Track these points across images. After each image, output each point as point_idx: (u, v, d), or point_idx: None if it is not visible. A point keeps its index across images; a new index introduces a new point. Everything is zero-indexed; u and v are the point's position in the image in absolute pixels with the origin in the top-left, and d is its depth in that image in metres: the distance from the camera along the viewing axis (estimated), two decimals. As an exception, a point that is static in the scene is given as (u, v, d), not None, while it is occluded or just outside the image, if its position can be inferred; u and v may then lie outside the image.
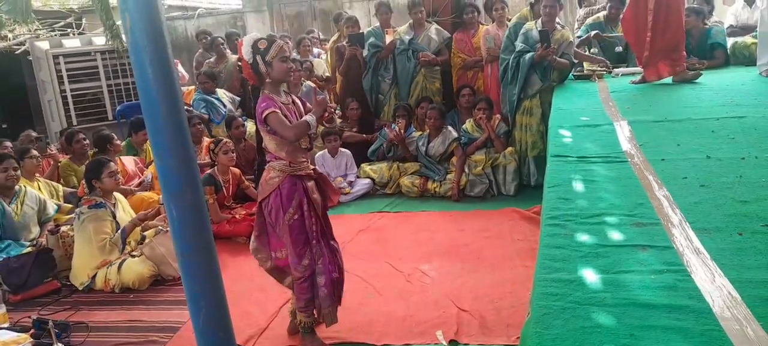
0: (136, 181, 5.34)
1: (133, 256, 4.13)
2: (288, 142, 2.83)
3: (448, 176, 5.48)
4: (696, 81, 4.66)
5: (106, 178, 4.16)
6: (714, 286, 1.65)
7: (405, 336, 3.08)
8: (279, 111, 2.77)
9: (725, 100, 3.92)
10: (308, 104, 3.09)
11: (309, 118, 2.84)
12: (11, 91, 10.03)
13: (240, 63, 2.87)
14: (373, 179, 5.76)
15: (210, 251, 1.15)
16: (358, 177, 5.81)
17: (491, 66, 5.88)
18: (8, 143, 5.61)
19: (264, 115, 2.76)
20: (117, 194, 4.39)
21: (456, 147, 5.47)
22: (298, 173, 2.89)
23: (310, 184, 2.95)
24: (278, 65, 2.80)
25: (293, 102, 2.98)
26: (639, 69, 5.52)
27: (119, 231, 4.10)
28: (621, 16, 5.31)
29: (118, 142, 5.60)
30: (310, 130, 2.86)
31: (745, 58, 5.46)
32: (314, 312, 3.02)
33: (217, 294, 1.17)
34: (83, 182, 4.45)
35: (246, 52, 2.80)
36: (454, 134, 5.51)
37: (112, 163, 4.33)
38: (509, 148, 5.39)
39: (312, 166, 3.02)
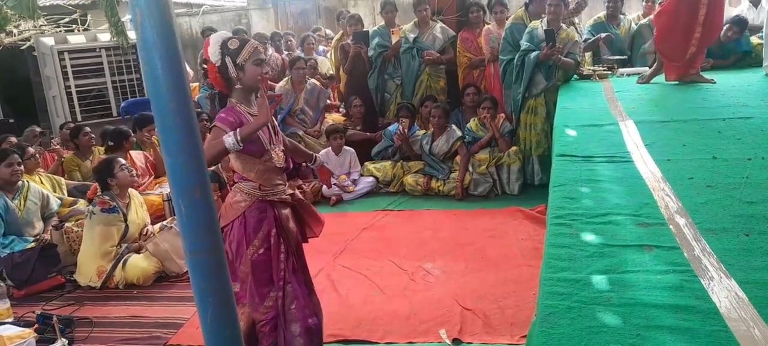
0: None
1: (138, 252, 4.15)
2: (259, 160, 2.43)
3: (452, 175, 5.47)
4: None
5: (119, 172, 4.17)
6: (721, 287, 1.64)
7: (408, 335, 3.08)
8: (229, 128, 2.31)
9: (731, 100, 3.91)
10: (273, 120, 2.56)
11: (227, 139, 2.28)
12: (16, 87, 10.06)
13: (204, 66, 2.42)
14: (376, 177, 5.76)
15: (218, 248, 1.15)
16: (361, 175, 5.81)
17: (494, 65, 5.87)
18: (13, 139, 5.62)
19: (210, 126, 2.31)
20: (132, 192, 4.38)
21: (460, 146, 5.46)
22: (270, 198, 2.46)
23: (286, 212, 2.52)
24: (251, 69, 2.37)
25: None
26: (645, 69, 5.52)
27: (124, 247, 4.10)
28: (653, 13, 5.14)
29: (133, 138, 5.58)
30: (229, 153, 2.35)
31: (752, 59, 5.44)
32: None
33: (225, 291, 1.16)
34: (96, 184, 4.46)
35: (213, 52, 2.36)
36: (458, 133, 5.50)
37: (120, 158, 4.33)
38: (513, 148, 5.38)
39: (290, 192, 2.58)
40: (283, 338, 2.48)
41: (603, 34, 5.66)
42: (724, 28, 5.19)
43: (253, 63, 2.38)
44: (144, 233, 4.31)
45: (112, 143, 5.42)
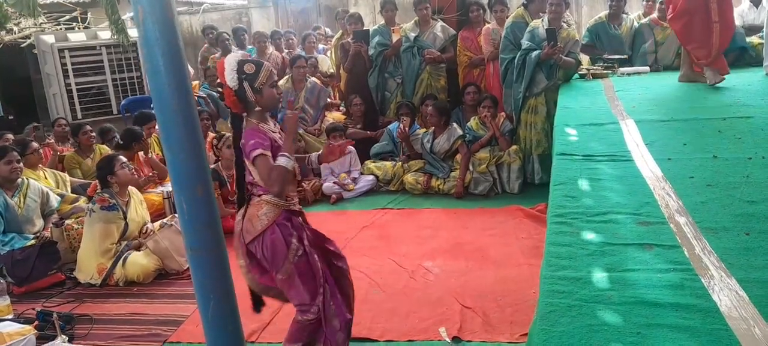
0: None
1: (138, 250, 4.15)
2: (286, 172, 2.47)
3: (452, 174, 5.48)
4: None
5: (119, 170, 4.17)
6: (721, 285, 1.65)
7: (408, 333, 3.08)
8: (270, 154, 2.42)
9: (732, 100, 3.91)
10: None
11: (283, 162, 2.41)
12: (17, 85, 10.06)
13: (220, 89, 2.47)
14: (376, 176, 5.77)
15: (219, 245, 1.15)
16: (361, 174, 5.82)
17: (493, 64, 5.87)
18: (10, 136, 5.62)
19: (253, 156, 2.40)
20: (132, 190, 4.38)
21: (461, 145, 5.47)
22: (292, 207, 2.55)
23: (300, 219, 2.61)
24: (269, 92, 2.46)
25: (281, 130, 2.62)
26: (645, 69, 5.52)
27: (124, 245, 4.10)
28: (667, 14, 5.08)
29: (143, 138, 5.53)
30: (290, 170, 2.46)
31: (752, 58, 5.44)
32: None
33: (226, 288, 1.17)
34: (95, 181, 4.46)
35: (230, 77, 2.43)
36: (459, 132, 5.50)
37: (121, 156, 4.33)
38: (514, 146, 5.38)
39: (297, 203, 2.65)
40: (324, 334, 2.55)
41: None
42: None
43: (270, 86, 2.46)
44: (144, 230, 4.32)
45: (122, 143, 5.39)
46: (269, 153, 2.42)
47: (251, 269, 2.57)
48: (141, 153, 5.48)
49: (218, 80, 2.53)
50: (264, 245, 2.46)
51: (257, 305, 2.68)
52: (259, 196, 2.49)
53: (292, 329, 2.61)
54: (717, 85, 4.42)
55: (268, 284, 2.59)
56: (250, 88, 2.43)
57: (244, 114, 2.53)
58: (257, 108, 2.48)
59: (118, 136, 5.81)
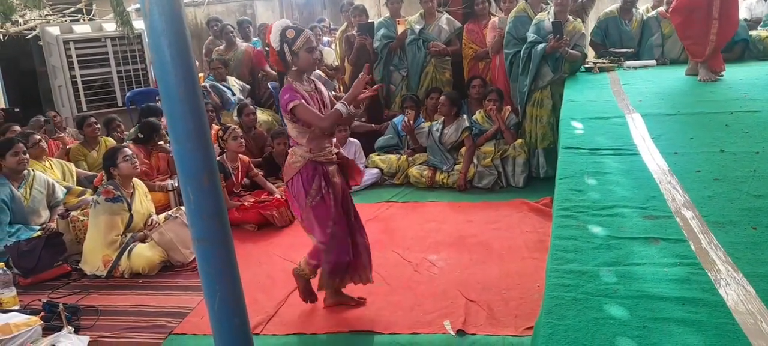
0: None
1: (143, 242, 4.16)
2: (309, 129, 2.91)
3: (456, 167, 5.47)
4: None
5: (121, 163, 4.17)
6: (728, 280, 1.64)
7: (412, 326, 3.09)
8: (303, 101, 2.85)
9: (739, 94, 3.88)
10: (325, 93, 3.12)
11: (340, 106, 2.88)
12: (22, 76, 10.09)
13: (267, 48, 2.96)
14: (381, 169, 5.76)
15: (226, 236, 1.15)
16: (366, 167, 5.81)
17: (499, 57, 5.85)
18: (17, 127, 5.64)
19: (290, 107, 2.83)
20: (136, 182, 4.38)
21: (466, 136, 5.45)
22: (319, 159, 2.98)
23: (332, 168, 3.04)
24: (304, 55, 2.87)
25: (316, 89, 3.03)
26: (651, 62, 5.49)
27: (129, 236, 4.11)
28: (659, 6, 5.08)
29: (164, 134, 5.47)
30: (343, 118, 2.92)
31: (759, 52, 5.41)
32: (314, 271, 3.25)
33: (232, 279, 1.17)
34: (102, 172, 4.46)
35: (274, 39, 2.88)
36: (467, 123, 5.49)
37: (126, 149, 4.33)
38: (519, 140, 5.37)
39: (336, 151, 3.10)
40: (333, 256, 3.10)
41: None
42: None
43: (306, 50, 2.88)
44: (149, 223, 4.32)
45: (142, 136, 5.36)
46: (303, 101, 2.85)
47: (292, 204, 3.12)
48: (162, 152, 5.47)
49: (265, 45, 2.97)
50: (292, 186, 3.02)
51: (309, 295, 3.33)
52: (292, 146, 3.03)
53: (313, 249, 3.17)
54: (715, 80, 4.40)
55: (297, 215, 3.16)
56: (288, 51, 2.86)
57: (285, 73, 2.97)
58: (294, 68, 2.91)
59: (122, 126, 5.81)
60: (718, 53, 4.49)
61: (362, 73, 2.99)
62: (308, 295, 3.33)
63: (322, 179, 3.00)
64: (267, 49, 2.97)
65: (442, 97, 5.53)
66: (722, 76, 4.51)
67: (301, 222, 3.23)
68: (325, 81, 6.42)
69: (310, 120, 2.86)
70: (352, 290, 3.37)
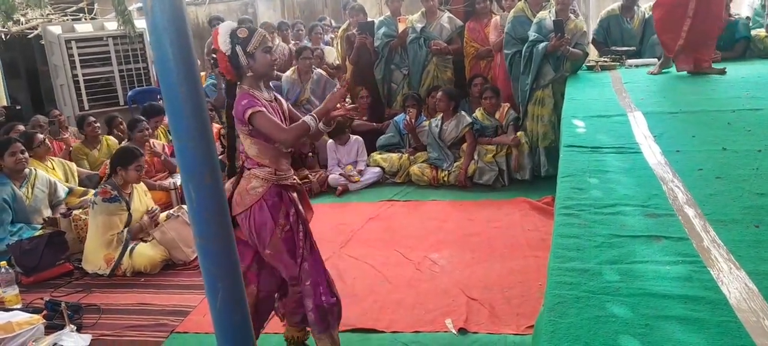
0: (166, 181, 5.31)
1: (145, 241, 4.16)
2: (273, 146, 2.50)
3: (456, 164, 5.47)
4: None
5: (133, 170, 4.16)
6: (730, 277, 1.63)
7: (414, 324, 3.09)
8: (265, 110, 2.43)
9: (741, 92, 3.88)
10: (285, 104, 2.70)
11: (309, 119, 2.49)
12: (24, 76, 10.09)
13: (214, 55, 2.50)
14: (383, 168, 5.77)
15: (228, 234, 1.15)
16: (367, 165, 5.81)
17: (501, 55, 5.84)
18: (21, 127, 5.65)
19: (247, 116, 2.39)
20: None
21: (468, 133, 5.45)
22: (283, 182, 2.56)
23: (294, 195, 2.63)
24: (261, 57, 2.45)
25: (276, 99, 2.61)
26: (653, 60, 5.48)
27: (126, 231, 4.10)
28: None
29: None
30: (310, 133, 2.51)
31: (761, 50, 5.40)
32: (303, 330, 2.83)
33: (234, 277, 1.17)
34: (107, 163, 4.46)
35: (223, 42, 2.42)
36: (469, 119, 5.49)
37: (143, 159, 4.32)
38: (520, 133, 5.37)
39: (294, 177, 2.68)
40: (288, 307, 2.70)
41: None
42: None
43: (263, 50, 2.45)
44: (151, 213, 4.28)
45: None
46: (263, 109, 2.42)
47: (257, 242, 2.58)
48: (155, 141, 5.48)
49: (212, 47, 2.56)
50: (252, 218, 2.51)
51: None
52: (249, 169, 2.53)
53: (289, 302, 2.75)
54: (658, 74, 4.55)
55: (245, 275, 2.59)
56: (242, 53, 2.43)
57: (238, 82, 2.51)
58: (250, 74, 2.47)
59: (124, 124, 5.82)
60: (694, 50, 4.53)
61: (337, 87, 2.67)
62: None
63: (290, 205, 2.57)
64: (214, 56, 2.50)
65: (440, 93, 5.54)
66: (715, 69, 4.53)
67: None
68: (326, 80, 6.42)
69: (270, 131, 2.41)
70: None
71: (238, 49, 2.42)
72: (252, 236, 2.55)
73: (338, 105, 2.60)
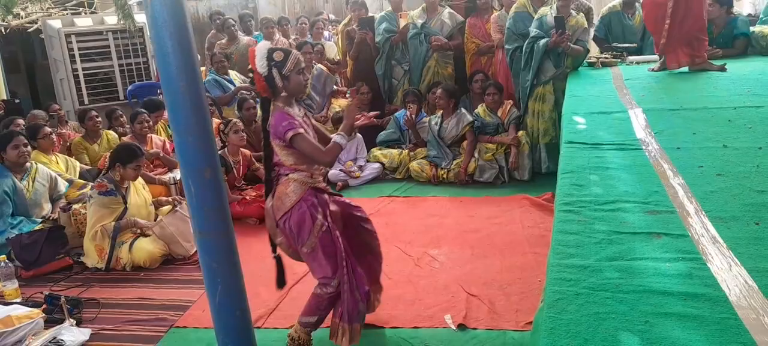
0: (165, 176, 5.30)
1: (145, 235, 4.16)
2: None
3: (456, 161, 5.46)
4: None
5: (131, 169, 4.15)
6: (730, 275, 1.63)
7: (413, 320, 3.09)
8: (303, 132, 2.61)
9: (742, 89, 3.87)
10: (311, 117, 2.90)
11: (338, 139, 2.67)
12: (25, 69, 10.08)
13: (251, 74, 2.67)
14: (383, 164, 5.76)
15: (228, 229, 1.15)
16: (367, 161, 5.81)
17: (502, 51, 5.83)
18: (20, 121, 5.64)
19: (288, 137, 2.57)
20: None
21: (469, 131, 5.45)
22: (319, 185, 2.75)
23: (326, 196, 2.80)
24: (295, 78, 2.63)
25: (306, 113, 2.82)
26: (654, 57, 5.46)
27: (113, 224, 4.06)
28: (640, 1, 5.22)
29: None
30: (342, 150, 2.71)
31: (763, 48, 5.37)
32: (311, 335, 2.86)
33: (234, 271, 1.17)
34: (107, 156, 4.44)
35: (260, 64, 2.60)
36: (469, 118, 5.48)
37: (143, 160, 4.32)
38: (521, 132, 5.36)
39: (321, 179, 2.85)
40: (346, 303, 2.72)
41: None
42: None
43: (297, 73, 2.64)
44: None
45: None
46: (303, 131, 2.61)
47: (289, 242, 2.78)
48: (154, 136, 5.47)
49: (249, 66, 2.68)
50: (291, 220, 2.67)
51: (281, 280, 2.92)
52: (286, 175, 2.70)
53: (310, 302, 2.80)
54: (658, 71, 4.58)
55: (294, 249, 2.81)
56: (278, 75, 2.60)
57: (272, 99, 2.68)
58: (284, 93, 2.64)
59: (124, 118, 5.82)
60: (679, 47, 4.57)
61: (350, 99, 2.82)
62: None
63: (327, 206, 2.74)
64: (251, 75, 2.70)
65: (439, 90, 5.53)
66: (715, 65, 4.56)
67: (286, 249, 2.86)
68: (327, 75, 6.42)
69: (311, 153, 2.61)
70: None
71: (275, 71, 2.59)
72: (292, 236, 2.70)
73: (357, 116, 2.82)
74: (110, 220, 4.06)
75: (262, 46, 2.64)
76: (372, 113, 3.05)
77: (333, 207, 2.80)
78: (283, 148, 2.66)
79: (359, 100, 6.21)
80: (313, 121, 2.89)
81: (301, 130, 2.61)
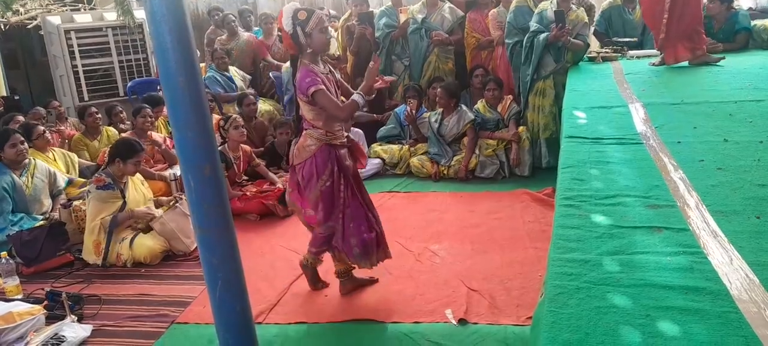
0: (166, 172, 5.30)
1: (144, 231, 4.16)
2: (325, 111, 2.93)
3: (456, 158, 5.45)
4: (716, 64, 4.58)
5: (131, 165, 4.15)
6: (731, 268, 1.63)
7: (414, 315, 3.09)
8: (325, 87, 2.86)
9: (743, 83, 3.86)
10: (337, 75, 3.16)
11: (357, 97, 2.94)
12: (25, 66, 10.06)
13: (280, 33, 2.89)
14: (383, 159, 5.76)
15: (228, 224, 1.14)
16: (368, 157, 5.80)
17: (502, 47, 5.82)
18: (20, 117, 5.63)
19: (311, 92, 2.84)
20: None
21: (470, 128, 5.44)
22: (333, 142, 3.03)
23: (343, 152, 3.10)
24: (318, 36, 2.87)
25: (330, 71, 3.06)
26: (655, 52, 5.46)
27: (110, 217, 4.06)
28: None
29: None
30: (359, 109, 3.01)
31: (764, 41, 5.37)
32: (322, 257, 3.33)
33: (234, 267, 1.17)
34: (106, 151, 4.44)
35: (286, 23, 2.87)
36: (471, 116, 5.47)
37: (143, 154, 4.32)
38: (521, 128, 5.36)
39: (346, 135, 3.15)
40: (341, 247, 3.18)
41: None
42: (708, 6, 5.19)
43: (319, 31, 2.88)
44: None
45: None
46: (324, 87, 2.86)
47: (297, 200, 3.18)
48: (154, 134, 5.47)
49: (278, 29, 2.93)
50: (304, 170, 3.04)
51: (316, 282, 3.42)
52: (306, 130, 3.02)
53: (313, 236, 3.26)
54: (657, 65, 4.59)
55: (297, 203, 3.21)
56: (302, 33, 2.86)
57: (299, 57, 2.96)
58: (309, 50, 2.90)
59: (124, 114, 5.81)
60: (678, 42, 4.57)
61: (371, 62, 3.01)
62: (316, 282, 3.41)
63: (335, 163, 3.04)
64: (279, 33, 2.97)
65: (440, 89, 5.52)
66: (713, 56, 4.56)
67: (301, 213, 3.26)
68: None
69: (329, 108, 2.89)
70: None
71: (299, 29, 2.85)
72: (302, 182, 3.08)
73: (377, 77, 3.03)
74: (108, 214, 4.05)
75: (289, 7, 2.90)
76: (388, 78, 3.37)
77: (348, 162, 3.11)
78: (305, 103, 2.93)
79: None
80: (339, 77, 3.15)
81: (322, 87, 2.85)
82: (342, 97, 3.14)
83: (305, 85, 2.86)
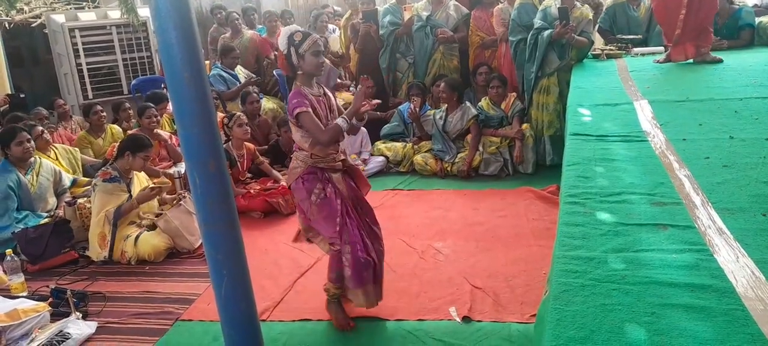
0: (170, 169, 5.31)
1: (149, 229, 4.17)
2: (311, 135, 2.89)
3: (460, 155, 5.45)
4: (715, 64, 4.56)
5: (140, 159, 4.16)
6: (737, 266, 1.62)
7: (418, 312, 3.09)
8: (311, 110, 2.82)
9: (748, 80, 3.84)
10: (333, 99, 3.06)
11: (340, 122, 2.87)
12: (29, 64, 10.08)
13: (276, 52, 2.86)
14: (387, 157, 5.75)
15: (233, 221, 1.14)
16: (371, 155, 5.80)
17: (505, 44, 5.81)
18: (20, 115, 5.65)
19: (296, 113, 2.82)
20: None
21: (473, 125, 5.43)
22: (319, 165, 2.94)
23: (336, 176, 2.98)
24: (310, 59, 2.83)
25: (324, 94, 2.99)
26: (659, 49, 5.44)
27: (114, 209, 4.07)
28: None
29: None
30: (343, 133, 2.91)
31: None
32: (341, 287, 3.03)
33: (240, 264, 1.17)
34: (115, 145, 4.45)
35: (282, 43, 2.88)
36: (474, 112, 5.46)
37: (152, 152, 4.34)
38: (525, 125, 5.35)
39: (341, 158, 3.02)
40: (350, 266, 2.96)
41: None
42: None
43: (312, 53, 2.83)
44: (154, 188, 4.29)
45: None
46: (310, 110, 2.81)
47: (300, 214, 3.08)
48: (160, 131, 5.48)
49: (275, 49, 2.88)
50: (295, 191, 3.01)
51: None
52: (294, 152, 3.00)
53: (329, 260, 3.06)
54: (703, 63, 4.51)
55: (306, 223, 3.08)
56: (295, 53, 2.83)
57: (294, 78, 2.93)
58: (301, 72, 2.88)
59: (131, 111, 5.82)
60: (691, 39, 4.53)
61: (360, 85, 2.99)
62: (341, 319, 3.05)
63: (326, 182, 2.95)
64: (275, 54, 2.90)
65: (442, 84, 5.51)
66: (712, 57, 4.55)
67: (307, 233, 3.15)
68: (331, 69, 6.40)
69: (312, 130, 2.83)
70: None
71: (292, 50, 2.84)
72: (300, 205, 3.02)
73: (364, 102, 3.00)
74: (114, 207, 4.07)
75: (287, 29, 2.91)
76: (375, 101, 3.21)
77: (340, 186, 2.98)
78: (293, 125, 2.91)
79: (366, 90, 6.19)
80: (335, 101, 3.06)
81: (307, 109, 2.80)
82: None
83: (292, 106, 2.83)
